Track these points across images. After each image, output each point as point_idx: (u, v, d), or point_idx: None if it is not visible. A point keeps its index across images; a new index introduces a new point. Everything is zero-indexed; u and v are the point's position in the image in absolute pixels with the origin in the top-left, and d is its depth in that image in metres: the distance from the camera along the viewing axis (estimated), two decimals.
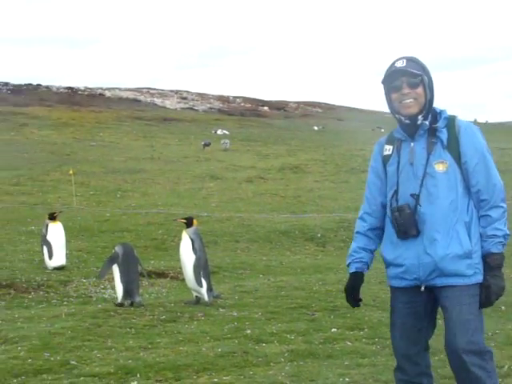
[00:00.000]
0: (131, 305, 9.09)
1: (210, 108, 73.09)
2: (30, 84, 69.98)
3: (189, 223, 9.53)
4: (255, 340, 7.46)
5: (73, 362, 6.72)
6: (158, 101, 72.78)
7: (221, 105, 76.12)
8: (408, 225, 4.12)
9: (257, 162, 34.54)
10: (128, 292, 9.15)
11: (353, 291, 4.35)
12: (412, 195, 4.13)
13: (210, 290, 9.33)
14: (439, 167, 4.09)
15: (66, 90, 70.66)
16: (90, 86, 74.68)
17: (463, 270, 4.05)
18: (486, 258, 4.07)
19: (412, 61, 4.15)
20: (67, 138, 40.25)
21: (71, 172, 22.23)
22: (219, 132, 49.56)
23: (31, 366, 6.64)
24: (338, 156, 37.64)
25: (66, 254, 13.04)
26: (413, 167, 4.15)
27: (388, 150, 4.27)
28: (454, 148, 4.10)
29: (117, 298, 9.35)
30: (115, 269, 9.21)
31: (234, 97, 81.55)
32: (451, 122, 4.15)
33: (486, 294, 4.05)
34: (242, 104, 78.53)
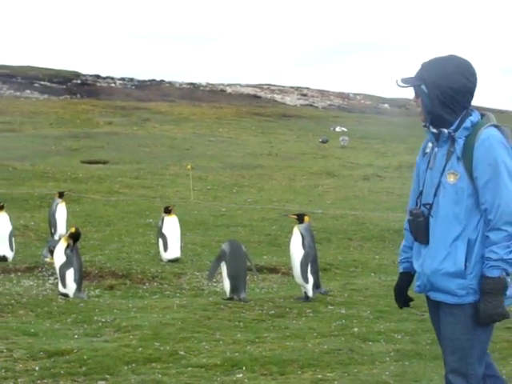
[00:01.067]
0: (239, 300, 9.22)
1: (330, 105, 72.87)
2: (154, 80, 71.35)
3: (300, 219, 9.58)
4: (362, 338, 7.46)
5: (181, 353, 6.90)
6: (277, 97, 73.06)
7: (340, 102, 75.77)
8: (419, 232, 4.01)
9: (374, 159, 34.24)
10: (234, 287, 9.28)
11: (400, 292, 4.26)
12: (425, 205, 4.00)
13: (316, 286, 9.36)
14: (450, 178, 3.91)
15: (188, 86, 71.73)
16: (211, 82, 75.68)
17: (453, 288, 3.88)
18: (481, 280, 3.83)
19: (423, 68, 3.98)
20: (187, 133, 40.91)
21: (189, 167, 22.60)
22: (338, 129, 49.35)
23: (142, 354, 6.84)
24: None
25: (181, 246, 13.30)
26: (432, 173, 4.01)
27: (429, 147, 4.11)
28: (468, 160, 3.87)
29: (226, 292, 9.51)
30: (223, 264, 9.37)
31: (354, 94, 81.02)
32: (475, 131, 3.90)
33: (477, 317, 3.85)
34: (362, 101, 77.94)
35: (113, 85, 65.79)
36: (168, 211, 13.29)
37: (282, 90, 77.27)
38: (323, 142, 39.38)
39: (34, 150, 31.31)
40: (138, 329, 7.76)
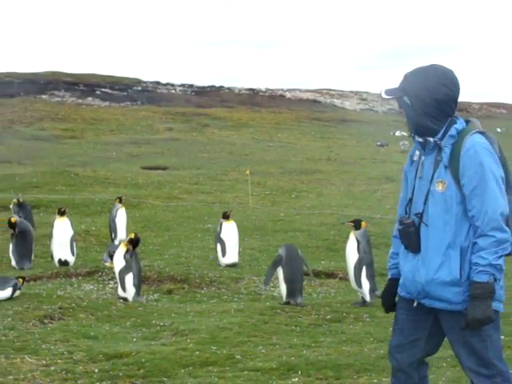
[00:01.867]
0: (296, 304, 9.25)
1: (390, 109, 72.34)
2: (213, 86, 71.82)
3: (357, 225, 9.58)
4: None
5: (238, 356, 6.95)
6: (337, 102, 72.87)
7: None
8: (411, 241, 4.03)
9: None
10: (291, 292, 9.31)
11: (388, 297, 4.31)
12: (416, 214, 4.02)
13: (373, 290, 9.34)
14: (438, 186, 3.94)
15: (248, 92, 71.98)
16: (270, 88, 75.81)
17: (449, 296, 3.91)
18: (470, 285, 3.85)
19: (405, 80, 4.04)
20: (246, 139, 41.08)
21: (248, 172, 22.69)
22: (397, 133, 49.04)
23: (198, 357, 6.92)
24: None
25: (239, 251, 13.37)
26: (421, 182, 4.04)
27: (416, 155, 4.15)
28: (455, 168, 3.90)
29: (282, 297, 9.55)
30: (279, 269, 9.40)
31: None
32: (460, 138, 3.93)
33: (464, 322, 3.84)
34: None
35: (173, 91, 66.41)
36: (226, 216, 13.37)
37: (342, 95, 77.05)
38: (381, 145, 39.15)
39: (95, 156, 31.81)
40: (196, 333, 7.85)
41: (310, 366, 6.65)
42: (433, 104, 3.95)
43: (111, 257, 11.16)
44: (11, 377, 6.41)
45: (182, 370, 6.61)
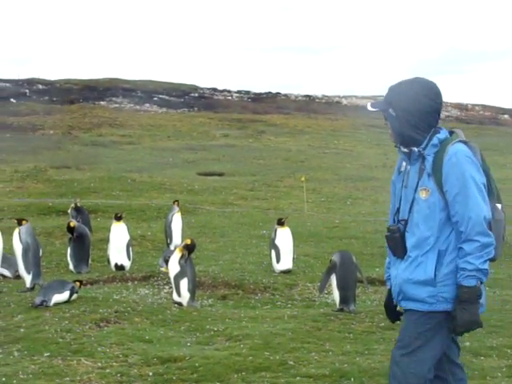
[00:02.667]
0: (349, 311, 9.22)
1: (447, 116, 71.65)
2: (270, 92, 71.89)
3: None
4: (473, 353, 7.35)
5: (291, 362, 6.97)
6: None
7: (458, 113, 74.46)
8: (396, 247, 4.20)
9: (493, 171, 33.42)
10: (344, 299, 9.29)
11: (388, 308, 4.51)
12: (400, 221, 4.20)
13: None
14: (422, 194, 4.10)
15: (304, 98, 71.90)
16: (327, 94, 75.66)
17: (423, 296, 4.08)
18: (457, 289, 4.01)
19: (390, 92, 4.23)
20: (302, 146, 41.06)
21: (303, 179, 22.70)
22: None
23: (252, 363, 6.95)
24: None
25: (294, 258, 13.37)
26: (406, 191, 4.21)
27: (403, 166, 4.30)
28: (438, 176, 4.06)
29: (336, 303, 9.53)
30: (333, 276, 9.39)
31: (472, 104, 79.49)
32: (443, 147, 4.10)
33: (453, 325, 4.03)
34: (481, 112, 76.37)
35: (229, 98, 66.70)
36: (281, 223, 13.39)
37: None
38: None
39: (152, 162, 32.11)
40: (249, 338, 7.88)
41: (363, 373, 6.63)
42: (417, 115, 4.12)
43: (166, 262, 11.26)
44: (68, 378, 6.53)
45: (235, 375, 6.65)
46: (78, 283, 9.78)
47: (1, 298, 10.10)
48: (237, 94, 68.67)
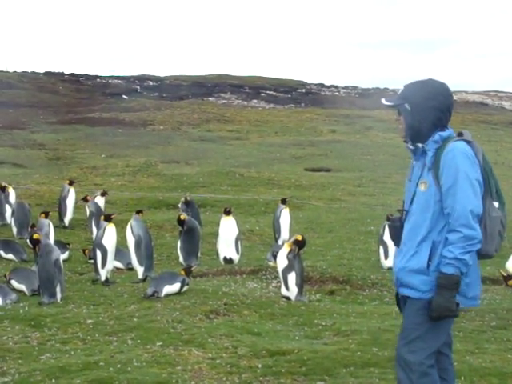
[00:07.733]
0: None
1: None
2: (378, 88, 71.29)
3: None
4: None
5: None
6: (506, 104, 70.71)
7: None
8: (396, 235, 4.56)
9: None
10: None
11: (397, 297, 4.69)
12: (399, 210, 4.59)
13: None
14: (421, 187, 4.42)
15: None
16: None
17: (417, 284, 4.35)
18: (438, 275, 4.27)
19: (406, 89, 4.54)
20: None
21: None
22: None
23: (360, 358, 6.96)
24: None
25: None
26: (410, 184, 4.56)
27: (413, 162, 4.63)
28: (436, 170, 4.34)
29: None
30: None
31: None
32: (444, 144, 4.38)
33: (429, 309, 4.29)
34: None
35: (337, 93, 66.49)
36: (388, 219, 13.28)
37: (511, 97, 74.64)
38: None
39: (260, 157, 32.30)
40: (357, 333, 7.89)
41: (474, 372, 6.56)
42: (430, 111, 4.42)
43: (274, 257, 11.35)
44: (179, 367, 6.69)
45: (344, 370, 6.68)
46: (183, 272, 10.01)
47: (114, 288, 10.41)
48: (344, 90, 68.42)
